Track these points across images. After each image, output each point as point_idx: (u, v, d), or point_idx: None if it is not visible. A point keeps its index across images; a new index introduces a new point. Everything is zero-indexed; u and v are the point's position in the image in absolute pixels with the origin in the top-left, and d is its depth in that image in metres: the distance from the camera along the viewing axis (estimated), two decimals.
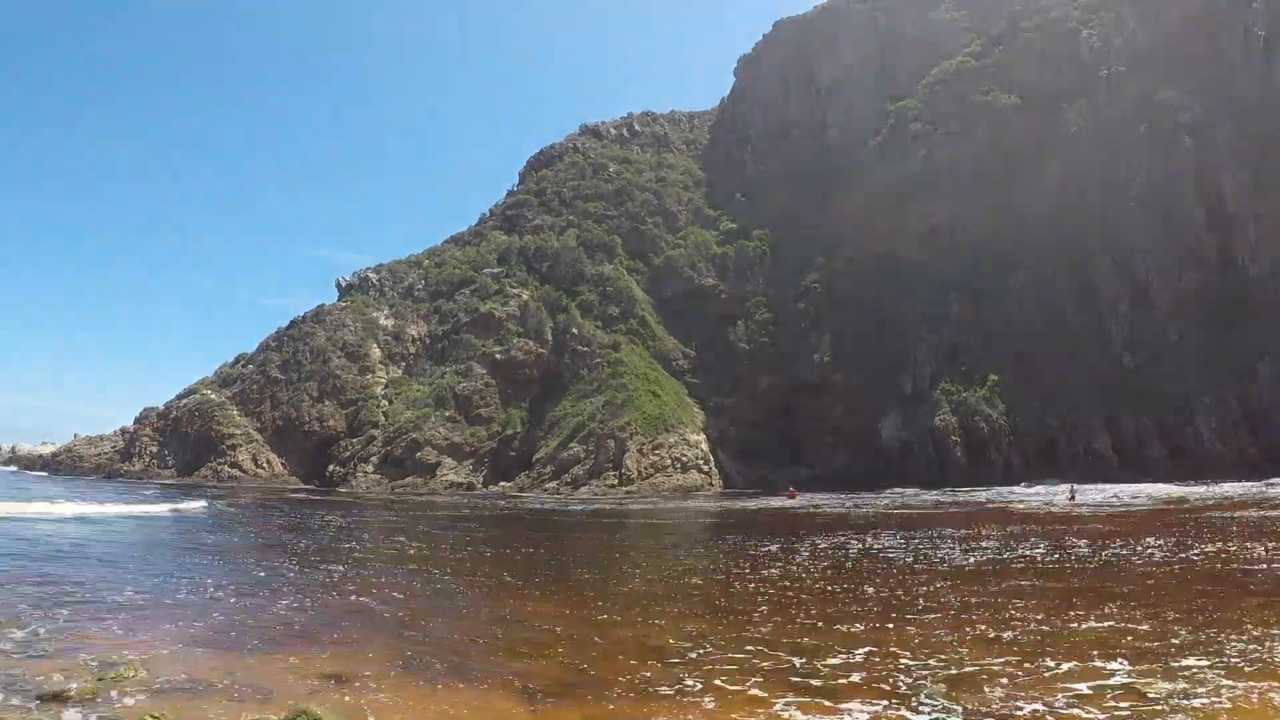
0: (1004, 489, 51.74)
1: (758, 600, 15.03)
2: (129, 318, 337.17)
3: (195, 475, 69.75)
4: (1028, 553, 21.03)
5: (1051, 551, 21.11)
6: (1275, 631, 11.05)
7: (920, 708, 8.46)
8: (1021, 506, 39.19)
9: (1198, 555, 19.25)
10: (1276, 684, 8.74)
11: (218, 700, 8.93)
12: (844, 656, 10.64)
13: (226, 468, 69.96)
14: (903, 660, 10.33)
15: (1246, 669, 9.36)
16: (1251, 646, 10.33)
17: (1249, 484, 43.24)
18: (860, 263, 77.15)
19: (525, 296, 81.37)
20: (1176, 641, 10.79)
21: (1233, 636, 10.82)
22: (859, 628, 12.38)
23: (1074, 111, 69.87)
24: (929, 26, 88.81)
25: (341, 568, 19.44)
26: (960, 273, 69.70)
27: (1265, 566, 17.24)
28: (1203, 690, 8.64)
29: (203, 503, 39.96)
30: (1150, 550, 20.50)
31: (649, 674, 10.28)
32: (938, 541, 24.41)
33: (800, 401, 72.06)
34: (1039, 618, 12.62)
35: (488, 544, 27.23)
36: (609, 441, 64.91)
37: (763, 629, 12.45)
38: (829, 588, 16.48)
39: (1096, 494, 42.96)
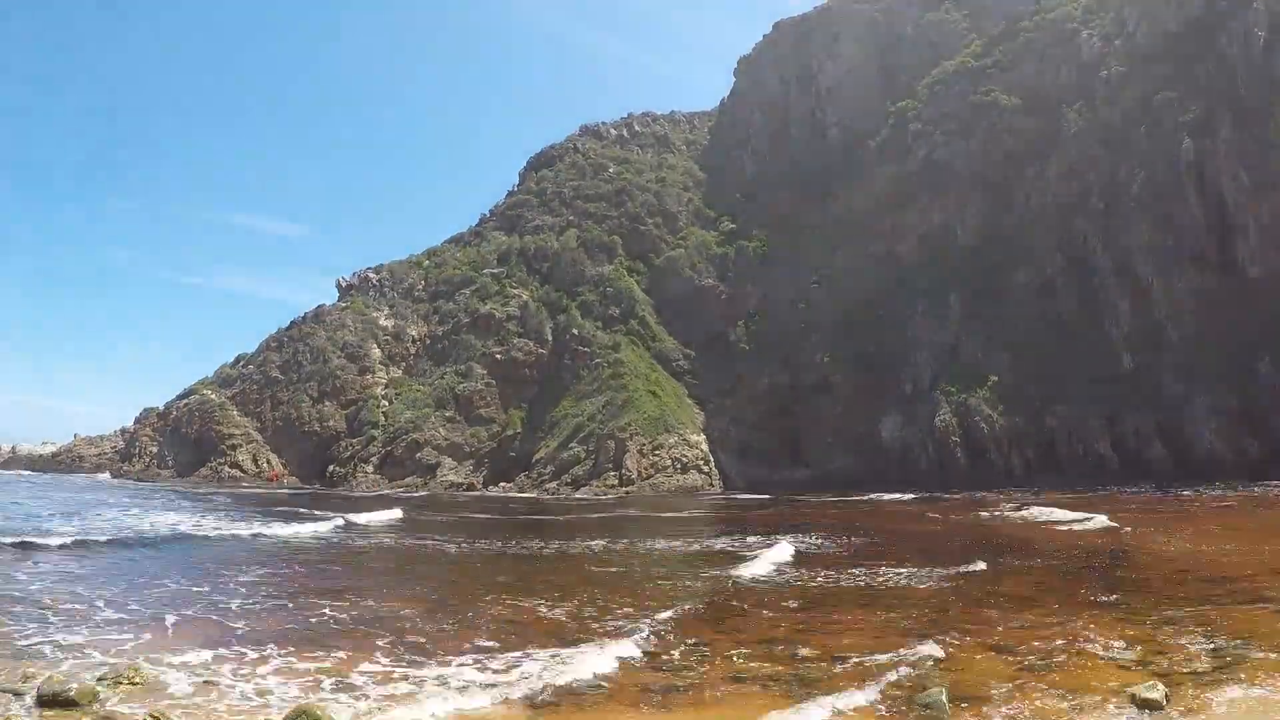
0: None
1: None
2: (128, 317, 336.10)
3: (195, 475, 69.77)
4: None
5: None
6: None
7: None
8: None
9: None
10: None
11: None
12: None
13: (227, 468, 69.98)
14: None
15: None
16: None
17: None
18: (860, 263, 77.09)
19: (525, 297, 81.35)
20: None
21: None
22: None
23: (1074, 111, 69.82)
24: (929, 26, 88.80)
25: None
26: (960, 273, 69.67)
27: None
28: None
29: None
30: None
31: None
32: None
33: (800, 401, 71.99)
34: None
35: None
36: (609, 442, 64.90)
37: None
38: None
39: None
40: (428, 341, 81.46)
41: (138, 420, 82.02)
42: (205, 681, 9.70)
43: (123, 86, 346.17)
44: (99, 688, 8.98)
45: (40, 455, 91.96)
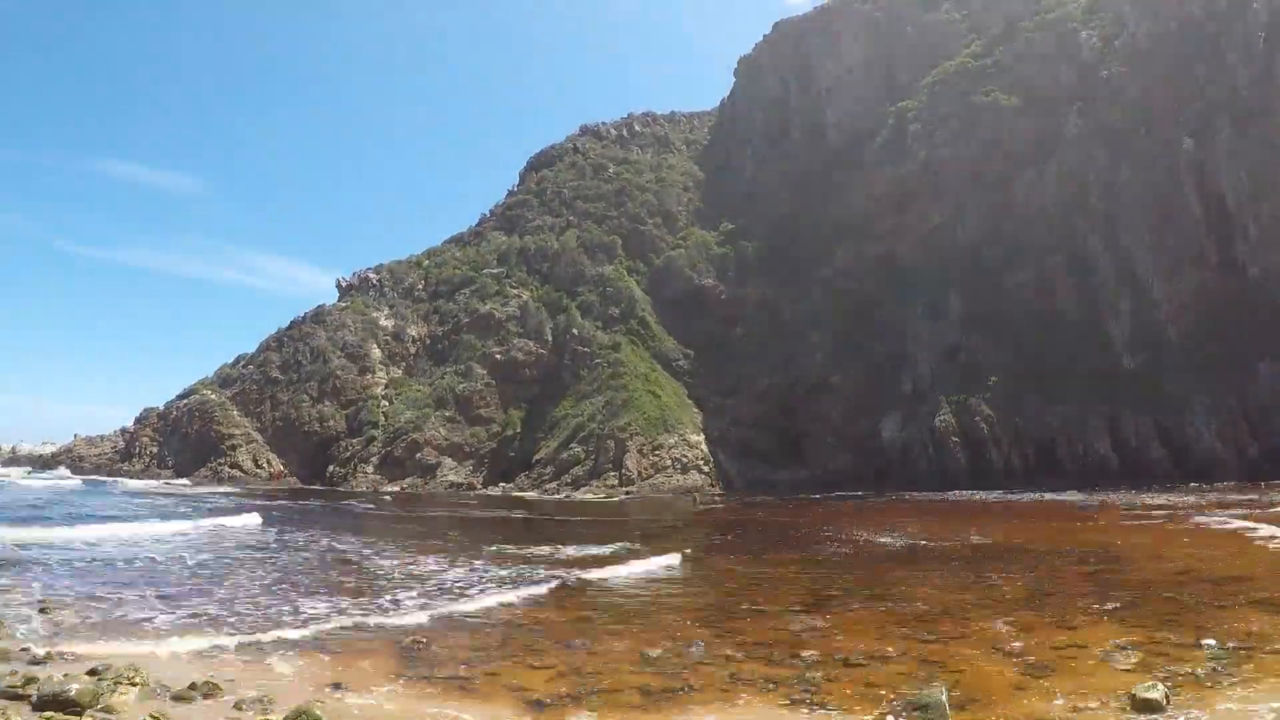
0: None
1: None
2: (128, 316, 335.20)
3: (195, 475, 69.77)
4: None
5: None
6: None
7: None
8: None
9: None
10: None
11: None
12: None
13: (226, 468, 69.99)
14: None
15: None
16: None
17: None
18: (860, 263, 77.11)
19: (525, 297, 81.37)
20: None
21: None
22: None
23: (1074, 111, 69.84)
24: (929, 26, 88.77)
25: None
26: (960, 273, 69.69)
27: None
28: None
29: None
30: None
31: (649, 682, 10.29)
32: None
33: (800, 402, 72.02)
34: None
35: None
36: (609, 442, 64.90)
37: None
38: None
39: None
40: (428, 341, 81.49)
41: (138, 420, 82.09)
42: (207, 681, 9.70)
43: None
44: (99, 688, 8.98)
45: (40, 455, 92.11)
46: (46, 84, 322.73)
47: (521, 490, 64.45)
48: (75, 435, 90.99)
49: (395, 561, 21.34)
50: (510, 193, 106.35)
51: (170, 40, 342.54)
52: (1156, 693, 8.61)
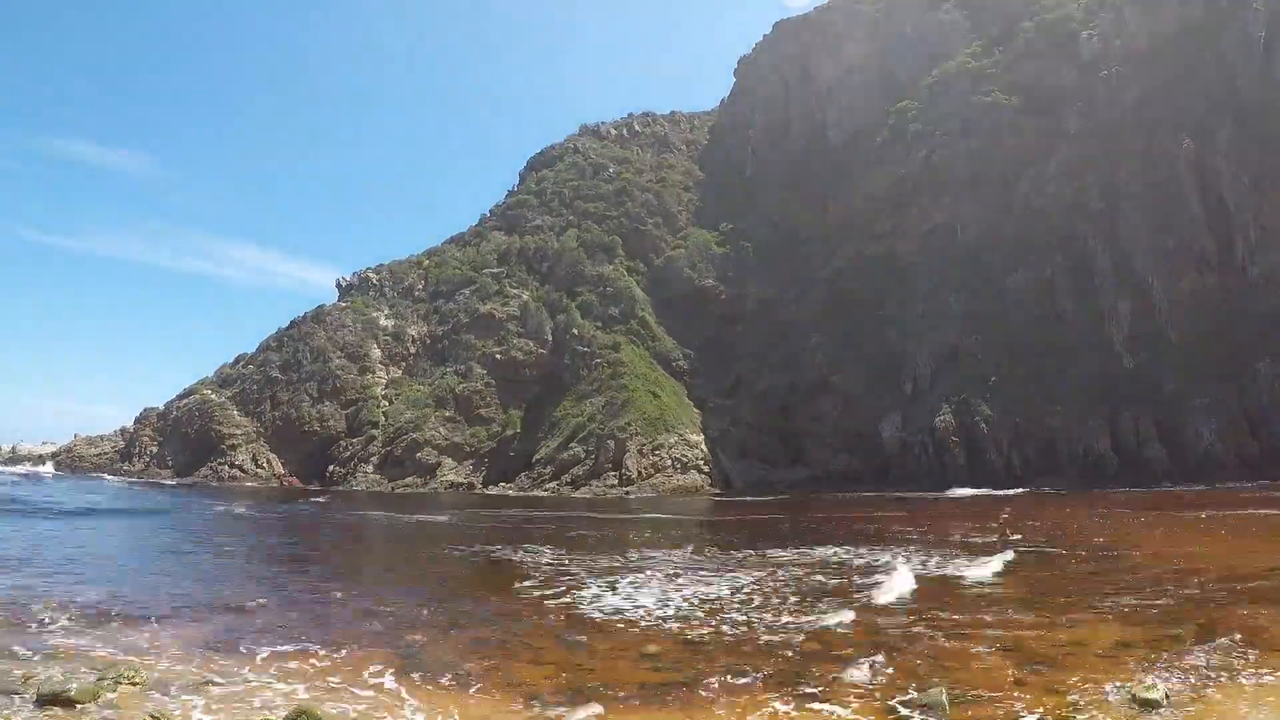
0: None
1: None
2: (128, 315, 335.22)
3: (195, 475, 69.79)
4: None
5: None
6: None
7: None
8: None
9: None
10: None
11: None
12: None
13: (226, 468, 69.99)
14: None
15: None
16: None
17: None
18: (860, 263, 77.11)
19: (525, 297, 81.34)
20: None
21: None
22: None
23: (1074, 111, 69.83)
24: (929, 26, 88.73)
25: None
26: (960, 273, 69.68)
27: None
28: None
29: None
30: None
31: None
32: None
33: (800, 402, 72.01)
34: None
35: None
36: (609, 442, 64.91)
37: None
38: None
39: None
40: (428, 341, 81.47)
41: (138, 420, 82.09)
42: (205, 681, 9.71)
43: None
44: (99, 688, 8.99)
45: (40, 455, 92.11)
46: None
47: (521, 490, 64.41)
48: (75, 435, 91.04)
49: None
50: (510, 193, 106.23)
51: (161, 29, 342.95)
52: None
